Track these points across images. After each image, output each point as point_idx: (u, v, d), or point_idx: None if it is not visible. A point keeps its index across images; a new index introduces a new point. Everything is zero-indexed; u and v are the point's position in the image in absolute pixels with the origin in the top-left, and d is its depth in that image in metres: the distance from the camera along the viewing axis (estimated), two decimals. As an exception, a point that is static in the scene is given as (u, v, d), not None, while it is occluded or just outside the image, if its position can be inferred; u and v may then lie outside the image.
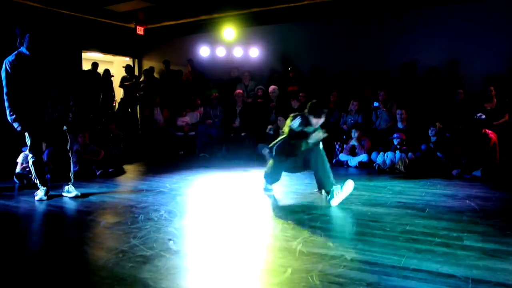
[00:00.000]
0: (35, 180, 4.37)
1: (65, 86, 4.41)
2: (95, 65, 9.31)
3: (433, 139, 6.11)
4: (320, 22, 8.40)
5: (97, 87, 9.16)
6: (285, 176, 5.64)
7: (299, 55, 8.62)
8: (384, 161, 6.13)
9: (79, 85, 8.39)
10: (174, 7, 9.10)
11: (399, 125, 6.51)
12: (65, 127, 4.47)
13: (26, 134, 4.23)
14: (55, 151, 4.51)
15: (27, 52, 4.10)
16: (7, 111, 4.07)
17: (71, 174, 4.51)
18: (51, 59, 4.32)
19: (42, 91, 4.17)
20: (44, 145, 5.20)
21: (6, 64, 4.03)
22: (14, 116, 4.07)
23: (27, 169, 5.25)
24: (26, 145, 5.10)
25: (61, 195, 4.43)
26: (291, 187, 4.86)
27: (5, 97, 4.04)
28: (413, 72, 7.40)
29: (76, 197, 4.38)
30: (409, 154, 6.05)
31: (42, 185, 4.34)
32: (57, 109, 4.28)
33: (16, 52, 4.11)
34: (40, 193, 4.30)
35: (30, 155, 4.31)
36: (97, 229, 3.32)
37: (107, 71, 9.59)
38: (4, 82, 4.02)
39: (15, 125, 4.10)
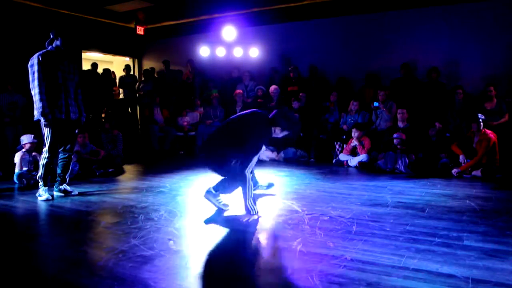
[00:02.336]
0: (40, 180, 4.36)
1: (81, 89, 4.54)
2: (94, 65, 9.32)
3: (433, 139, 6.12)
4: (320, 22, 8.40)
5: (97, 88, 9.15)
6: (284, 177, 5.66)
7: (299, 55, 8.63)
8: (384, 161, 6.13)
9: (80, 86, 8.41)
10: (174, 7, 9.11)
11: (400, 124, 6.51)
12: (76, 130, 4.60)
13: (48, 132, 4.24)
14: (63, 151, 4.52)
15: (55, 51, 4.24)
16: (40, 105, 4.10)
17: (67, 176, 4.58)
18: (73, 62, 4.45)
19: (67, 89, 4.30)
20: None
21: (38, 56, 4.12)
22: (47, 110, 4.11)
23: (25, 168, 5.25)
24: (20, 145, 5.11)
25: (60, 194, 4.46)
26: (291, 187, 4.87)
27: (37, 90, 4.09)
28: (413, 72, 7.40)
29: (67, 195, 4.44)
30: (409, 154, 6.05)
31: (44, 186, 4.34)
32: (76, 109, 4.45)
33: (44, 50, 4.24)
34: (44, 194, 4.29)
35: (47, 154, 4.31)
36: (97, 229, 3.32)
37: (107, 71, 9.58)
38: (36, 75, 4.09)
39: (43, 119, 4.15)
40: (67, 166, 4.55)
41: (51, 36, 4.29)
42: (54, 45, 4.27)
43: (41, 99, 4.10)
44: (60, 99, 4.25)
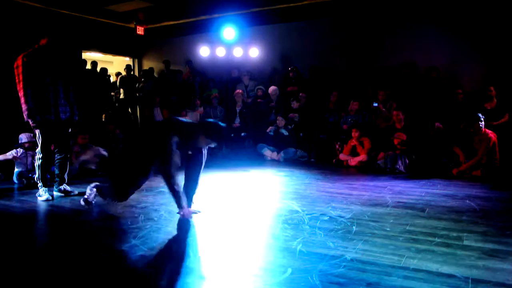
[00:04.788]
0: (38, 181, 4.36)
1: (73, 87, 4.47)
2: (94, 64, 9.31)
3: (433, 139, 6.11)
4: (320, 22, 8.40)
5: (96, 87, 9.14)
6: (284, 177, 5.66)
7: (299, 55, 8.63)
8: (384, 161, 6.13)
9: (79, 85, 8.39)
10: (174, 7, 9.10)
11: (397, 125, 6.50)
12: (70, 129, 4.57)
13: (39, 133, 4.23)
14: (58, 152, 4.51)
15: (43, 51, 4.19)
16: (25, 107, 4.07)
17: (66, 175, 4.57)
18: (63, 59, 4.40)
19: (55, 89, 4.25)
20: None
21: (22, 57, 4.07)
22: (33, 112, 4.08)
23: (19, 169, 5.25)
24: (19, 142, 5.09)
25: (60, 195, 4.46)
26: (291, 187, 4.87)
27: (22, 92, 4.04)
28: (413, 72, 7.40)
29: (67, 195, 4.43)
30: (409, 154, 6.05)
31: (44, 186, 4.34)
32: (68, 109, 4.39)
33: (30, 49, 4.18)
34: (44, 194, 4.29)
35: (40, 155, 4.30)
36: (97, 229, 3.32)
37: (104, 70, 9.57)
38: (21, 77, 4.04)
39: (31, 121, 4.12)
40: (64, 165, 4.53)
41: (39, 34, 4.22)
42: (41, 43, 4.21)
43: (26, 101, 4.05)
44: (49, 99, 4.19)
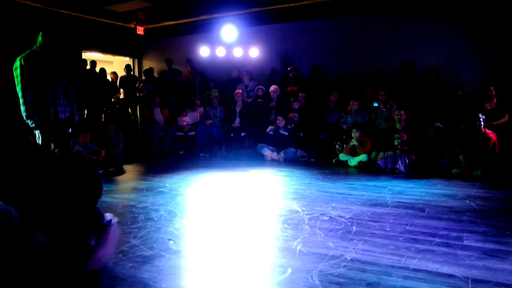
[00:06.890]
0: None
1: (72, 87, 4.47)
2: (93, 63, 9.32)
3: (433, 139, 6.11)
4: (320, 22, 8.40)
5: (95, 86, 9.14)
6: (284, 177, 5.66)
7: (299, 55, 8.62)
8: (384, 161, 6.13)
9: (79, 84, 8.39)
10: (174, 7, 9.10)
11: (398, 126, 6.49)
12: (70, 130, 4.57)
13: (39, 134, 4.22)
14: (58, 152, 4.51)
15: (40, 51, 4.18)
16: (24, 108, 4.07)
17: None
18: (61, 59, 4.39)
19: (54, 89, 4.24)
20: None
21: (20, 59, 4.07)
22: (32, 113, 4.07)
23: None
24: None
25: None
26: (291, 187, 4.87)
27: (21, 93, 4.04)
28: (413, 72, 7.40)
29: None
30: (409, 154, 6.05)
31: None
32: (67, 109, 4.38)
33: (28, 50, 4.18)
34: None
35: None
36: (97, 229, 3.32)
37: (103, 71, 9.58)
38: (19, 79, 4.04)
39: (30, 122, 4.12)
40: None
41: (34, 34, 4.22)
42: (38, 44, 4.20)
43: (25, 103, 4.05)
44: (47, 99, 4.18)
